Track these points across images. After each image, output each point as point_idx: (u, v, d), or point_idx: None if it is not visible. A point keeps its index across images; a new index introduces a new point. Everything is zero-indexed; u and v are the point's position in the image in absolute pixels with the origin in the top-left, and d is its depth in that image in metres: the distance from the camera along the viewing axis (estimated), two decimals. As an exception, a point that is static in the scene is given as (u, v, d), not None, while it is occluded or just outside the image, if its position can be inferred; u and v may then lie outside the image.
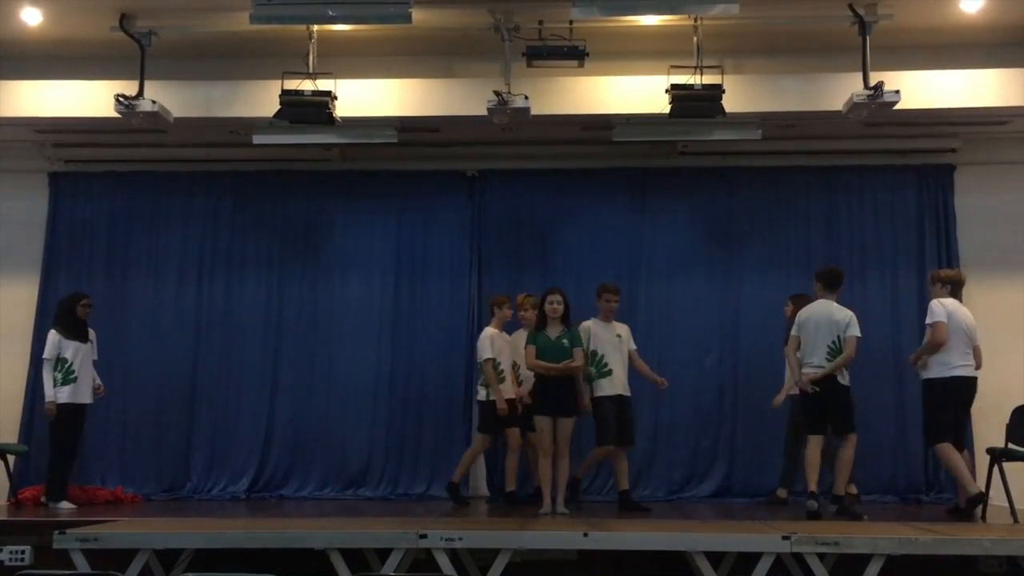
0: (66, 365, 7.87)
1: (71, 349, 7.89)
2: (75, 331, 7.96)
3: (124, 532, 6.00)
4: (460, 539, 5.77)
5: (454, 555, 5.90)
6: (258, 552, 5.84)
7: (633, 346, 7.88)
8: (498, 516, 7.51)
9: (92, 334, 8.10)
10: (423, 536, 5.72)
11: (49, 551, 5.86)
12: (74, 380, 7.86)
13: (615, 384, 7.64)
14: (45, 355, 7.90)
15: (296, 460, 8.90)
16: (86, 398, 7.97)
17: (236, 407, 8.96)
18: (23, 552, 6.25)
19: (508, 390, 7.92)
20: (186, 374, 9.00)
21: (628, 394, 7.71)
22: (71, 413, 7.84)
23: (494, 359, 7.89)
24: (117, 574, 4.95)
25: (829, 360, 7.08)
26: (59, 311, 8.06)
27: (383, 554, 5.86)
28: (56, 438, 7.84)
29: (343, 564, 5.71)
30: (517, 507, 7.76)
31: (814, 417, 7.19)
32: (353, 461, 8.87)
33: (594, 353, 7.66)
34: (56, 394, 7.78)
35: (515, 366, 8.09)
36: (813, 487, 7.03)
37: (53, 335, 7.92)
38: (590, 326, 7.75)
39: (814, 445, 7.14)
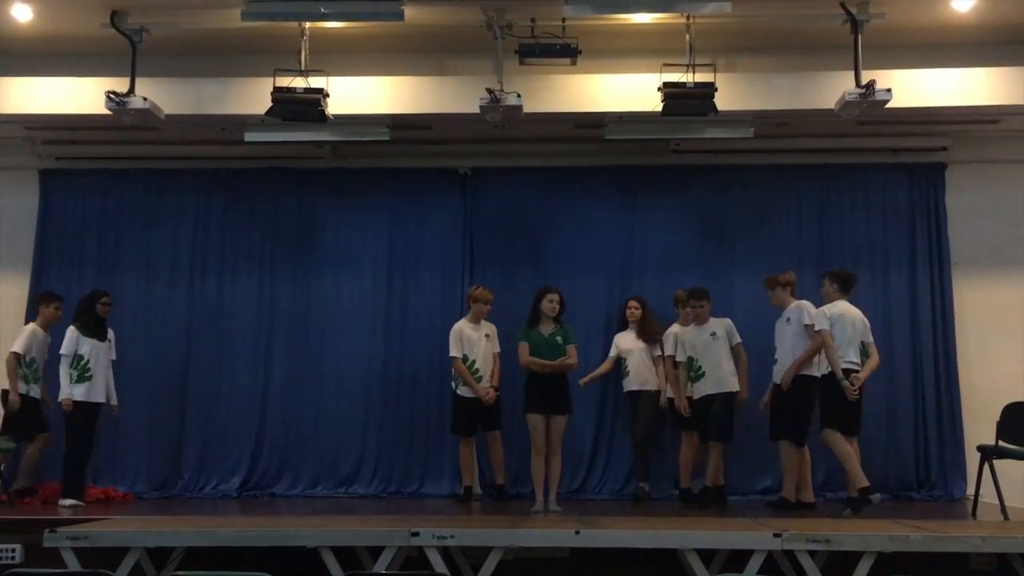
0: (81, 363, 7.79)
1: (88, 347, 7.82)
2: (93, 329, 7.90)
3: (115, 531, 5.98)
4: (452, 537, 5.76)
5: (446, 553, 5.89)
6: (250, 550, 5.83)
7: (736, 340, 7.94)
8: (490, 514, 7.52)
9: (111, 334, 8.07)
10: (415, 534, 5.72)
11: (40, 549, 5.84)
12: (89, 378, 7.79)
13: (705, 385, 7.84)
14: (62, 351, 7.81)
15: (288, 458, 8.88)
16: (100, 397, 7.88)
17: (228, 405, 8.94)
18: (14, 551, 6.24)
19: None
20: (177, 372, 8.98)
21: (721, 391, 7.77)
22: (86, 411, 7.78)
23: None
24: (108, 572, 4.93)
25: (863, 358, 7.26)
26: (79, 308, 8.00)
27: (375, 552, 5.85)
28: (72, 436, 7.75)
29: (335, 562, 5.70)
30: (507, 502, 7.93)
31: (842, 415, 7.16)
32: (345, 459, 8.86)
33: (690, 360, 7.94)
34: (71, 391, 7.71)
35: (466, 359, 8.09)
36: (865, 481, 7.09)
37: (71, 331, 7.85)
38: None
39: (844, 439, 7.14)
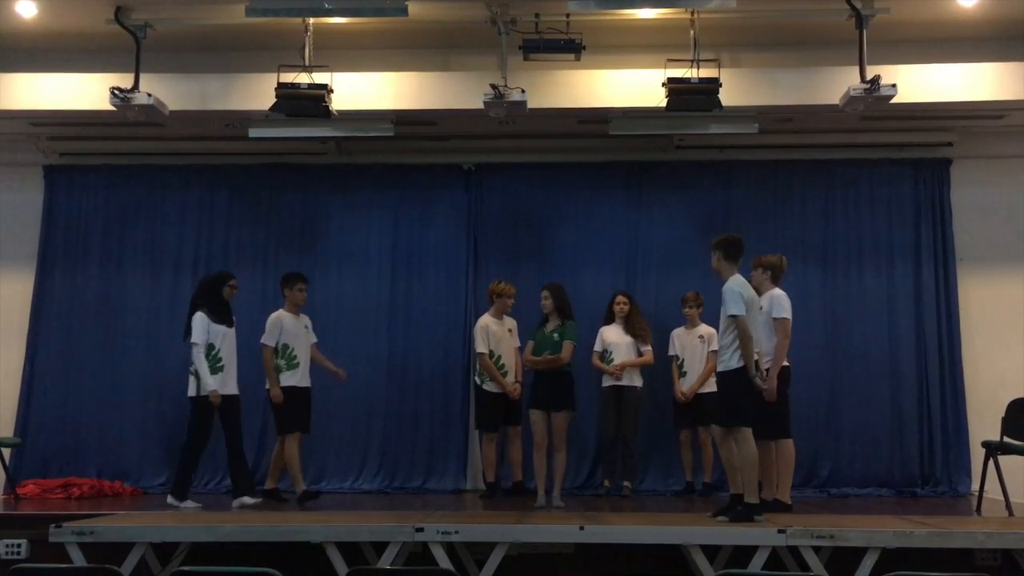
0: (213, 352, 7.28)
1: (219, 334, 7.31)
2: (221, 314, 7.40)
3: (120, 526, 5.99)
4: (456, 533, 5.78)
5: (450, 548, 5.90)
6: (254, 546, 5.84)
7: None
8: (494, 510, 7.53)
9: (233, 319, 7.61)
10: (420, 530, 5.73)
11: (45, 545, 5.86)
12: (221, 368, 7.29)
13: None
14: (195, 339, 7.26)
15: (292, 453, 8.88)
16: (232, 388, 7.41)
17: (232, 401, 8.94)
18: (19, 546, 6.26)
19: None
20: (182, 368, 8.97)
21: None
22: (222, 405, 7.29)
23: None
24: (114, 568, 4.94)
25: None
26: (204, 291, 7.48)
27: (379, 548, 5.87)
28: (196, 431, 7.29)
29: (339, 557, 5.71)
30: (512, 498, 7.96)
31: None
32: (349, 454, 8.86)
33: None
34: (211, 383, 7.21)
35: (492, 354, 8.09)
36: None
37: (202, 318, 7.30)
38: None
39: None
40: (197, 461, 7.53)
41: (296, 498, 7.64)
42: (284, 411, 7.59)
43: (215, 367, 7.31)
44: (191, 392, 7.40)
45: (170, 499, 7.34)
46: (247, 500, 7.38)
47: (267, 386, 7.65)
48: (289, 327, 7.68)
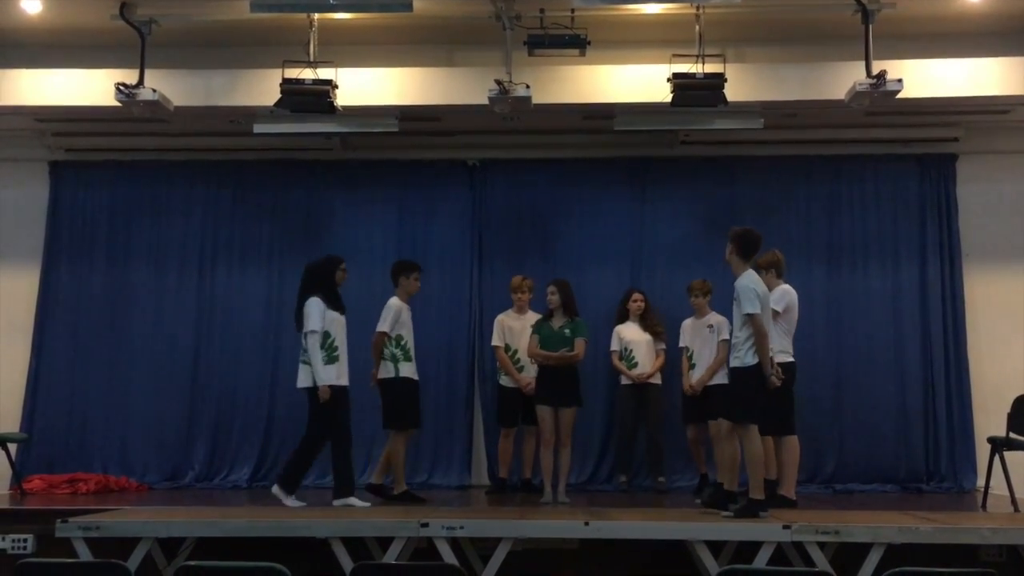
0: (329, 340, 6.82)
1: (334, 322, 6.86)
2: (335, 301, 6.94)
3: (126, 521, 6.01)
4: (461, 528, 5.79)
5: (455, 544, 5.91)
6: (260, 541, 5.85)
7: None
8: (499, 505, 7.53)
9: None
10: (424, 525, 5.74)
11: (52, 539, 5.88)
12: (337, 359, 6.87)
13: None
14: (311, 327, 6.75)
15: (298, 449, 8.90)
16: (346, 379, 6.97)
17: (237, 396, 8.96)
18: (25, 540, 6.28)
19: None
20: (187, 363, 9.00)
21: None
22: (337, 397, 6.82)
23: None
24: (120, 563, 4.95)
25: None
26: (316, 275, 7.02)
27: (384, 543, 5.88)
28: (320, 426, 6.85)
29: (345, 553, 5.72)
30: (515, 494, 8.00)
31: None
32: (355, 450, 8.82)
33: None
34: (326, 374, 6.74)
35: (509, 350, 8.14)
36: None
37: (317, 303, 6.81)
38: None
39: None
40: (315, 455, 7.08)
41: (396, 495, 7.38)
42: (400, 404, 7.29)
43: (331, 356, 6.84)
44: (304, 383, 6.91)
45: (275, 489, 6.92)
46: (354, 502, 6.85)
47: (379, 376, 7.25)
48: (405, 317, 7.38)
